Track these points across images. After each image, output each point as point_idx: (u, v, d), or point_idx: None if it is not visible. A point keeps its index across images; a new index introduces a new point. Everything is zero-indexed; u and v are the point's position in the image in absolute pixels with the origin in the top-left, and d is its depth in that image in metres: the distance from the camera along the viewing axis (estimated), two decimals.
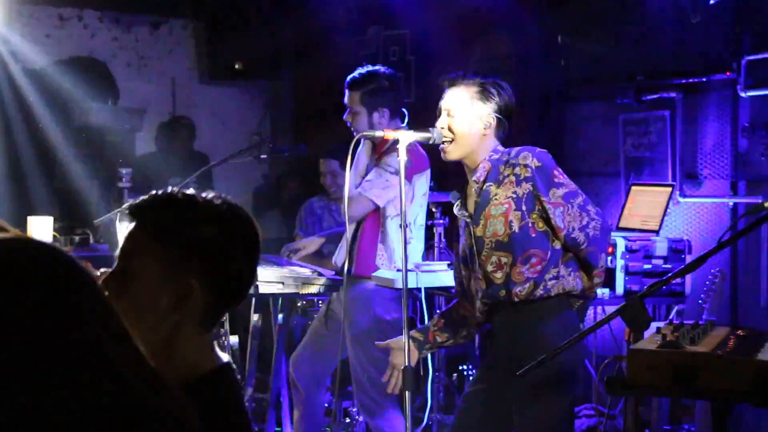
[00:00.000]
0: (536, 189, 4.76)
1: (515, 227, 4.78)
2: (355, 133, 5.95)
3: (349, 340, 6.48)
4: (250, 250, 2.72)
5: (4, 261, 1.73)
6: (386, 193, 5.91)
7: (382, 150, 6.27)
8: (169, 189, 2.88)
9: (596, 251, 4.91)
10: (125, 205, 3.04)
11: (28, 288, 1.74)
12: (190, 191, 2.81)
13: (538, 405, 4.81)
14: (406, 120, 6.42)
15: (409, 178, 6.00)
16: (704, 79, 7.68)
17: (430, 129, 5.04)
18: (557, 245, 4.84)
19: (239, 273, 2.69)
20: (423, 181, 6.16)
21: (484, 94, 4.94)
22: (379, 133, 5.68)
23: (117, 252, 2.63)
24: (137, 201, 2.62)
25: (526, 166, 4.80)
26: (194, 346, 2.63)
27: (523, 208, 4.79)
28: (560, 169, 4.93)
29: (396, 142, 5.39)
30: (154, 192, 2.82)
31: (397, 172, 5.67)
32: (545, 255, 4.81)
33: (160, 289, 2.55)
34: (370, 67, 6.48)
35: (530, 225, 4.80)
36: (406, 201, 5.50)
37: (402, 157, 5.16)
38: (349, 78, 6.38)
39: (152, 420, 1.96)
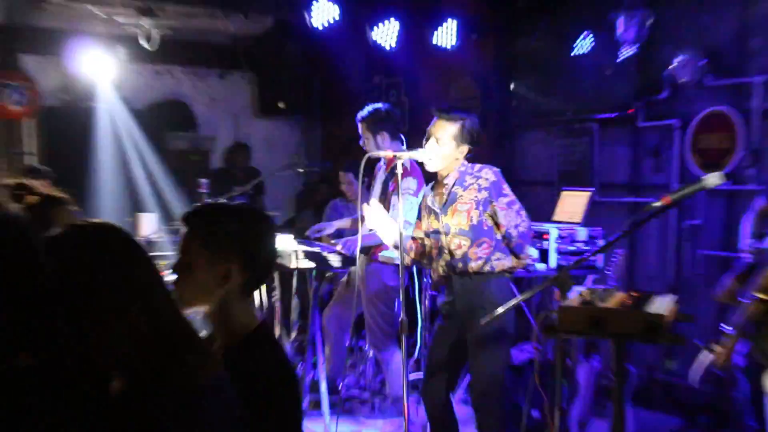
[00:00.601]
0: (491, 196, 4.94)
1: (474, 220, 4.95)
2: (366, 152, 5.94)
3: (363, 300, 6.63)
4: (268, 240, 2.87)
5: (105, 235, 2.20)
6: (414, 211, 5.67)
7: (392, 164, 6.11)
8: (208, 201, 3.03)
9: (522, 243, 5.05)
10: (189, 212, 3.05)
11: (119, 248, 2.18)
12: (222, 201, 3.03)
13: (487, 351, 5.00)
14: (405, 144, 6.37)
15: (416, 194, 6.04)
16: (613, 115, 7.68)
17: (419, 150, 5.12)
18: (499, 236, 4.99)
19: (263, 256, 2.85)
20: (421, 194, 5.74)
21: (464, 133, 5.01)
22: (382, 153, 5.89)
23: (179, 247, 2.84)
24: (187, 212, 2.82)
25: (486, 179, 4.98)
26: (241, 310, 2.76)
27: (480, 208, 4.95)
28: (506, 183, 5.08)
29: (407, 166, 5.65)
30: (197, 204, 3.07)
31: (415, 194, 5.98)
32: (492, 242, 4.99)
33: (207, 273, 2.72)
34: (373, 105, 6.42)
35: (484, 220, 4.97)
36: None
37: (399, 169, 5.16)
38: (358, 114, 6.36)
39: (190, 340, 2.28)
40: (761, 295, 3.50)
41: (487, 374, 5.05)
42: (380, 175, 6.47)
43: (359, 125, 6.39)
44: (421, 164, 5.38)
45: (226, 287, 2.71)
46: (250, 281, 2.79)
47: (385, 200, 6.09)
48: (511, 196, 5.07)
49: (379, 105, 6.46)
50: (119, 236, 2.23)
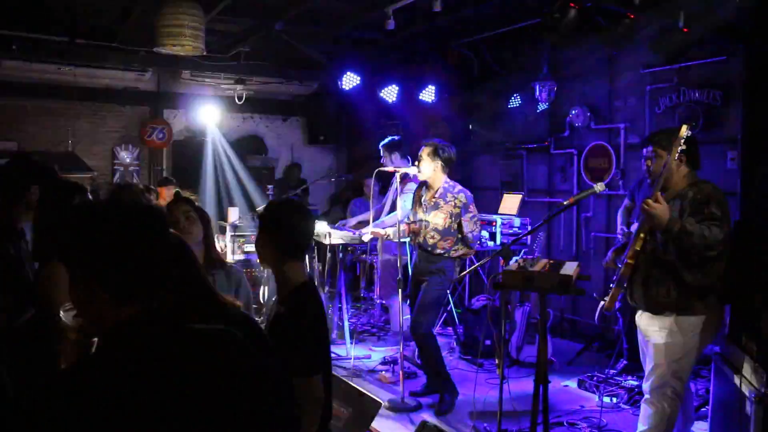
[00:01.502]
0: (461, 213, 4.94)
1: (446, 225, 4.95)
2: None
3: (380, 264, 6.65)
4: (304, 222, 2.71)
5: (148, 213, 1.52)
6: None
7: (407, 180, 5.89)
8: (273, 200, 2.77)
9: (474, 241, 5.03)
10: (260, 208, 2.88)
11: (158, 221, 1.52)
12: (275, 201, 2.68)
13: (431, 290, 4.95)
14: (411, 162, 5.92)
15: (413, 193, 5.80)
16: (535, 145, 7.63)
17: (414, 166, 5.16)
18: (460, 236, 4.97)
19: (299, 236, 2.67)
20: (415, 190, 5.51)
21: (436, 152, 4.97)
22: (389, 168, 5.58)
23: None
24: (258, 209, 2.65)
25: (460, 200, 4.94)
26: (294, 270, 2.66)
27: (452, 219, 4.94)
28: (472, 204, 5.01)
29: (405, 175, 5.55)
30: (267, 203, 2.99)
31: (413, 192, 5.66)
32: (454, 239, 4.98)
33: (270, 247, 2.66)
34: (390, 136, 6.20)
35: (452, 225, 4.96)
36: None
37: (397, 178, 5.24)
38: (381, 143, 6.09)
39: (213, 297, 2.10)
40: (629, 260, 3.61)
41: (422, 309, 4.98)
42: (393, 183, 6.03)
43: (381, 149, 6.12)
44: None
45: (280, 255, 2.65)
46: (294, 253, 2.67)
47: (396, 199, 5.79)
48: (474, 211, 5.02)
49: (392, 137, 6.27)
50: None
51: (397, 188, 5.39)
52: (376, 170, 5.67)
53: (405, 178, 5.79)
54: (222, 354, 1.39)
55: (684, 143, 3.41)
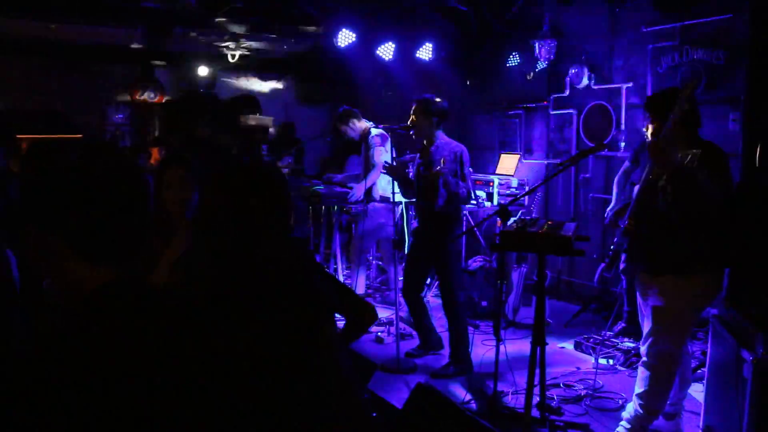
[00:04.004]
0: (456, 167, 4.81)
1: (441, 181, 4.77)
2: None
3: (361, 230, 6.45)
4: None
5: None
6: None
7: (384, 137, 5.99)
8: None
9: (467, 197, 4.88)
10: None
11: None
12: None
13: (443, 249, 4.88)
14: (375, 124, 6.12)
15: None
16: (533, 105, 7.65)
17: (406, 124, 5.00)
18: (456, 192, 4.79)
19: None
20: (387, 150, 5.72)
21: (428, 107, 4.89)
22: (374, 130, 5.88)
23: None
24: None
25: (457, 155, 4.81)
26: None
27: (449, 173, 4.78)
28: (468, 159, 4.91)
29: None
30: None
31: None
32: (451, 196, 4.83)
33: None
34: (339, 109, 6.29)
35: (449, 181, 4.80)
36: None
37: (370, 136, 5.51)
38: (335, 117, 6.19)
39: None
40: (630, 221, 3.61)
41: (449, 277, 4.94)
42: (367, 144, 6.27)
43: (336, 124, 6.15)
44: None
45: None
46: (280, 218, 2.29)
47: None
48: (469, 167, 4.95)
49: (344, 106, 6.31)
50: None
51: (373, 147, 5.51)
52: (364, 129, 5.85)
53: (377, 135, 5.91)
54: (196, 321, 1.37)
55: (686, 103, 3.37)
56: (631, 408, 3.75)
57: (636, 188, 3.68)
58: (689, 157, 3.40)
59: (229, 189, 1.81)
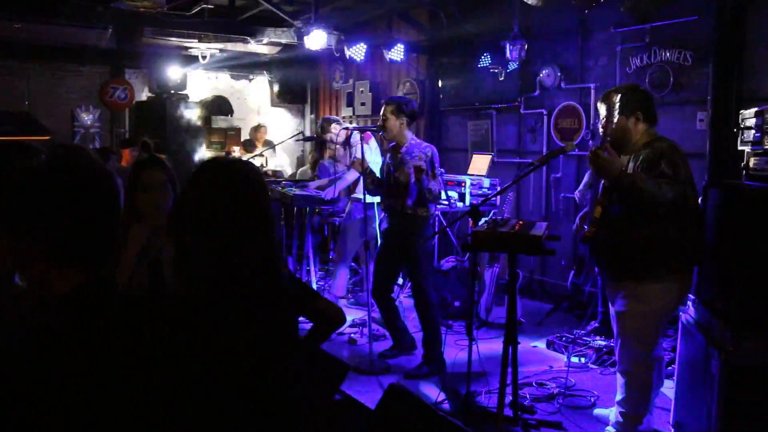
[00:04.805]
0: (427, 167, 4.73)
1: (412, 180, 4.75)
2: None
3: (345, 227, 6.46)
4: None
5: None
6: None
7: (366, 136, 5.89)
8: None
9: (437, 196, 4.85)
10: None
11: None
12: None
13: (413, 250, 4.81)
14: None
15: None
16: (505, 105, 7.57)
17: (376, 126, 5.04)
18: (428, 195, 4.73)
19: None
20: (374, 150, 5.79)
21: (400, 108, 4.87)
22: (354, 129, 5.75)
23: None
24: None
25: (427, 155, 4.78)
26: None
27: (419, 174, 4.67)
28: (438, 159, 4.88)
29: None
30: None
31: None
32: (421, 197, 4.78)
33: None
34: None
35: (418, 182, 4.72)
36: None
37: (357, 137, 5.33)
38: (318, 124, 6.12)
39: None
40: (591, 228, 3.51)
41: (420, 277, 4.91)
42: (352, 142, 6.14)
43: (320, 129, 6.06)
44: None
45: None
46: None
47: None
48: (438, 168, 4.92)
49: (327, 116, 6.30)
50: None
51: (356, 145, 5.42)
52: (341, 130, 5.75)
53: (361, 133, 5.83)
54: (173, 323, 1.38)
55: (640, 100, 3.42)
56: (613, 416, 3.73)
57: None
58: (630, 161, 3.38)
59: (211, 185, 1.78)
